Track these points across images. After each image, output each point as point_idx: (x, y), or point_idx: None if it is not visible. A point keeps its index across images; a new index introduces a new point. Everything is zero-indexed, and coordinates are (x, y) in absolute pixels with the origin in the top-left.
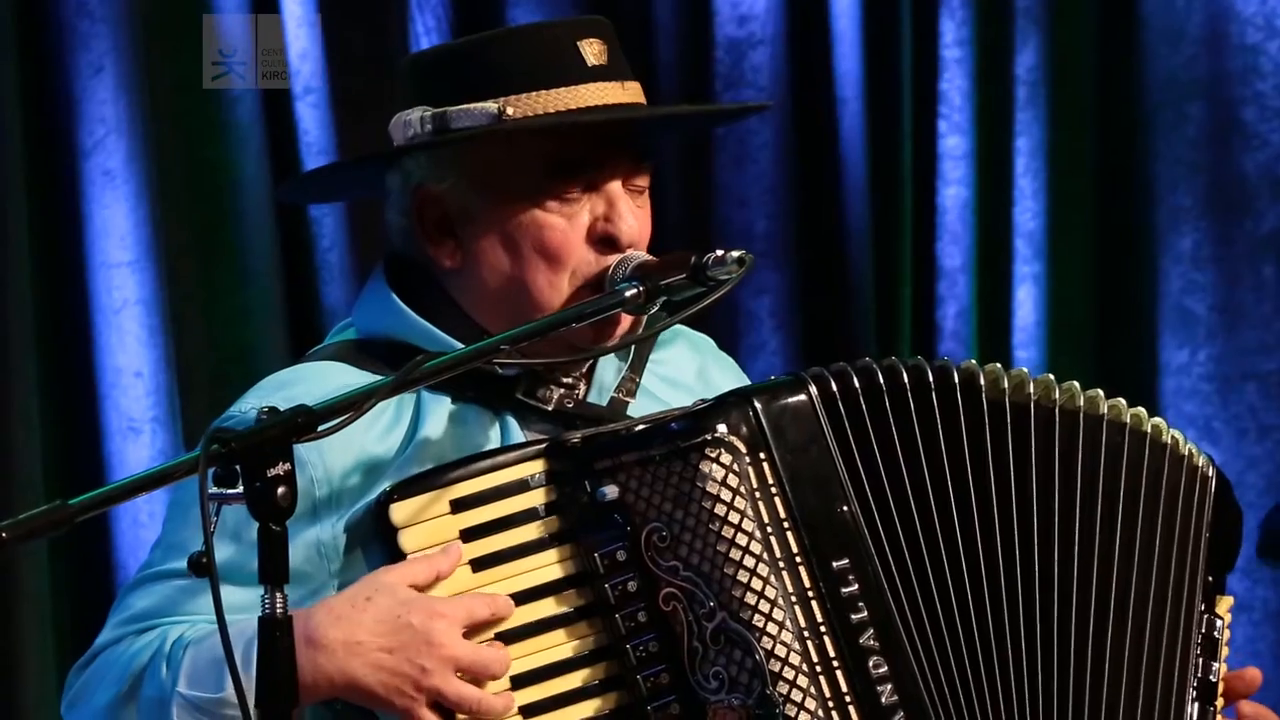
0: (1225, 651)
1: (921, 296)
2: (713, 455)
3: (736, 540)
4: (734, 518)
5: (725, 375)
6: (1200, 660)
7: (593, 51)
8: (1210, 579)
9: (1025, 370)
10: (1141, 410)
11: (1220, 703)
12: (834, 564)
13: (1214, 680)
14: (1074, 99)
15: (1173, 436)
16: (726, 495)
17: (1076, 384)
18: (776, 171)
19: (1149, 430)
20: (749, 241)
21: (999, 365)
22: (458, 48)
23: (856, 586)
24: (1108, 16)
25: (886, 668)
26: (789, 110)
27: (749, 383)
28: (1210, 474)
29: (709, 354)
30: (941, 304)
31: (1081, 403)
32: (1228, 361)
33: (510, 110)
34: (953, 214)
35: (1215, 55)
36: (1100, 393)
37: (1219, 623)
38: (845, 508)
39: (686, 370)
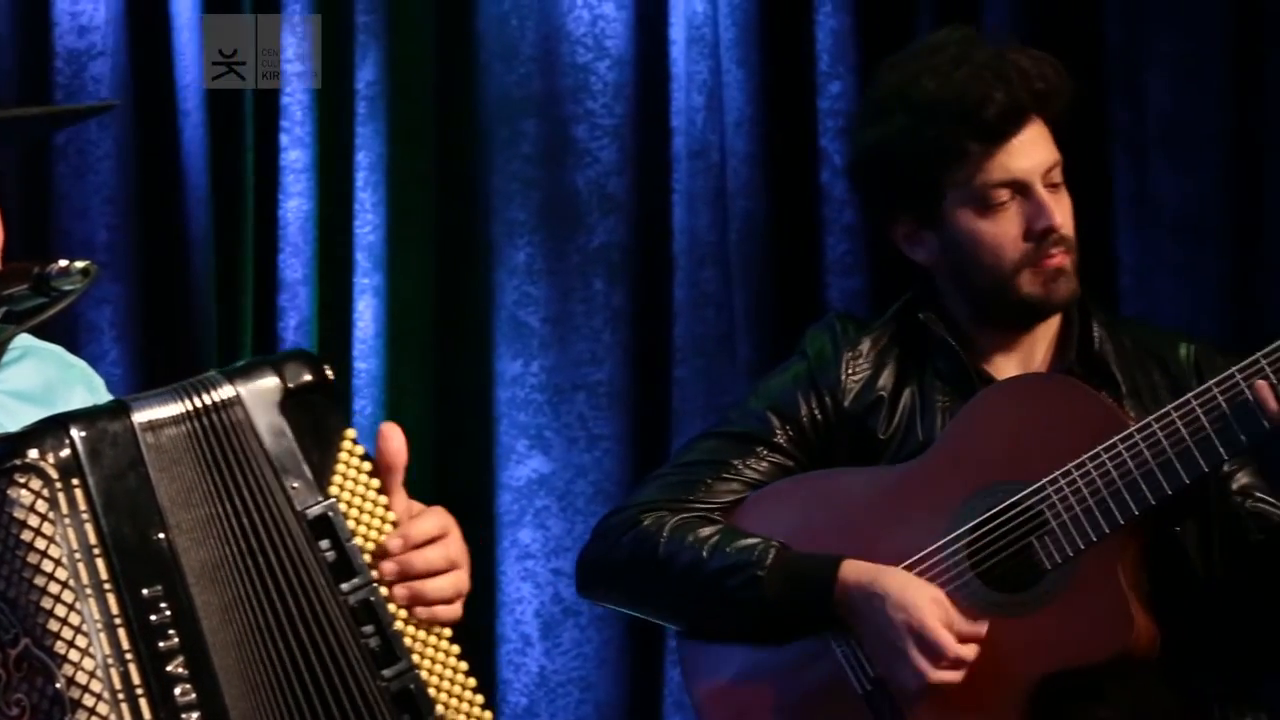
0: (364, 504)
1: (263, 308)
2: (22, 481)
3: (42, 566)
4: (40, 544)
5: (74, 391)
6: (328, 553)
7: None
8: (296, 485)
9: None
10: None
11: (367, 541)
12: (144, 591)
13: (349, 555)
14: (413, 114)
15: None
16: (34, 521)
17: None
18: (117, 182)
19: None
20: (90, 252)
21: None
22: None
23: (168, 613)
24: (445, 34)
25: (194, 695)
26: (130, 122)
27: (104, 391)
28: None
29: (57, 368)
30: (283, 315)
31: None
32: (559, 372)
33: None
34: (294, 226)
35: (548, 74)
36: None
37: (339, 502)
38: (160, 534)
39: (33, 385)
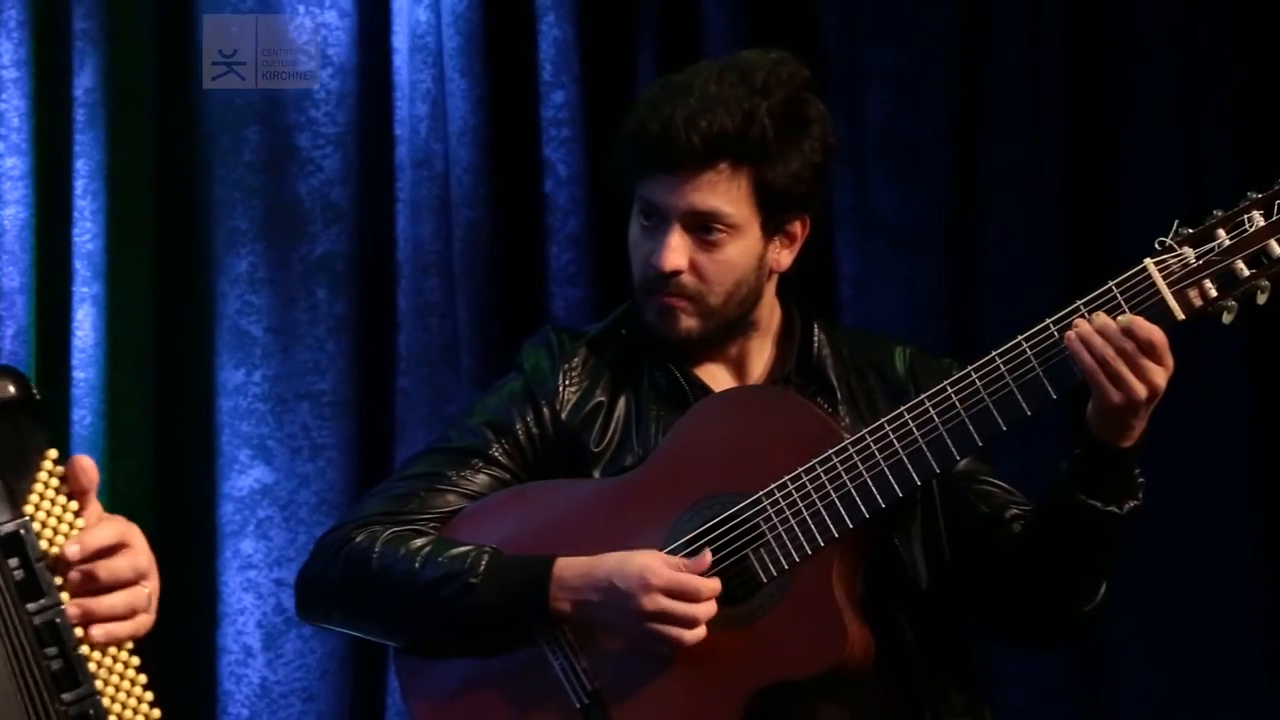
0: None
1: None
2: None
3: None
4: None
5: None
6: (16, 571)
7: None
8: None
9: None
10: None
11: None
12: None
13: (37, 575)
14: (133, 122)
15: None
16: None
17: None
18: None
19: None
20: None
21: None
22: None
23: None
24: (165, 41)
25: None
26: None
27: None
28: None
29: None
30: (0, 324)
31: None
32: (282, 382)
33: None
34: (11, 235)
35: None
36: None
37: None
38: None
39: None
